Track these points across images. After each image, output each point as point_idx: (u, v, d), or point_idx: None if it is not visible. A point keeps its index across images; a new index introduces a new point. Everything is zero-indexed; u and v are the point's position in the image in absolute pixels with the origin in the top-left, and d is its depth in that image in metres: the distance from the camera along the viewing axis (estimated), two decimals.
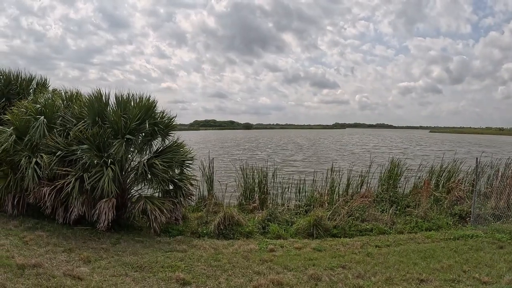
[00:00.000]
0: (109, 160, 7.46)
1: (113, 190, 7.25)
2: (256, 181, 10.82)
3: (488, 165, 11.27)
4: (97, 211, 7.22)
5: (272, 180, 11.01)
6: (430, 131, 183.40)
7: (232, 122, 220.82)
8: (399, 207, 9.67)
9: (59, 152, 7.64)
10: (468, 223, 8.86)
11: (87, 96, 8.42)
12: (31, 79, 11.23)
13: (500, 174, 11.02)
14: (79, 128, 7.81)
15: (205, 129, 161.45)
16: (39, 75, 11.50)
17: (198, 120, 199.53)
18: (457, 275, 5.42)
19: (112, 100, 8.35)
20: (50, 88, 11.10)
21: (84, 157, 7.44)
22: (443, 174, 12.04)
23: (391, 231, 8.32)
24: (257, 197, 10.61)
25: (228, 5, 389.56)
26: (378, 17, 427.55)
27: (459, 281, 5.23)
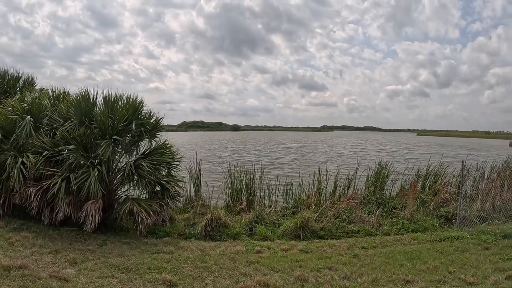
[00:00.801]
0: (96, 161, 7.40)
1: (100, 191, 7.20)
2: (244, 183, 10.79)
3: (474, 168, 11.43)
4: (84, 213, 7.14)
5: (260, 182, 10.99)
6: (417, 134, 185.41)
7: (220, 124, 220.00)
8: (385, 209, 9.72)
9: (45, 152, 7.56)
10: (454, 225, 8.97)
11: (74, 96, 8.36)
12: (18, 78, 11.06)
13: (485, 176, 11.19)
14: (66, 128, 7.74)
15: (193, 130, 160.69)
16: (26, 73, 11.35)
17: (186, 121, 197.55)
18: (442, 276, 5.50)
19: (99, 100, 8.29)
20: (37, 87, 10.97)
21: (70, 158, 7.38)
22: (430, 177, 12.15)
23: (378, 233, 8.37)
24: (244, 198, 10.58)
25: (217, 6, 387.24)
26: (367, 20, 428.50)
27: (445, 282, 5.30)
